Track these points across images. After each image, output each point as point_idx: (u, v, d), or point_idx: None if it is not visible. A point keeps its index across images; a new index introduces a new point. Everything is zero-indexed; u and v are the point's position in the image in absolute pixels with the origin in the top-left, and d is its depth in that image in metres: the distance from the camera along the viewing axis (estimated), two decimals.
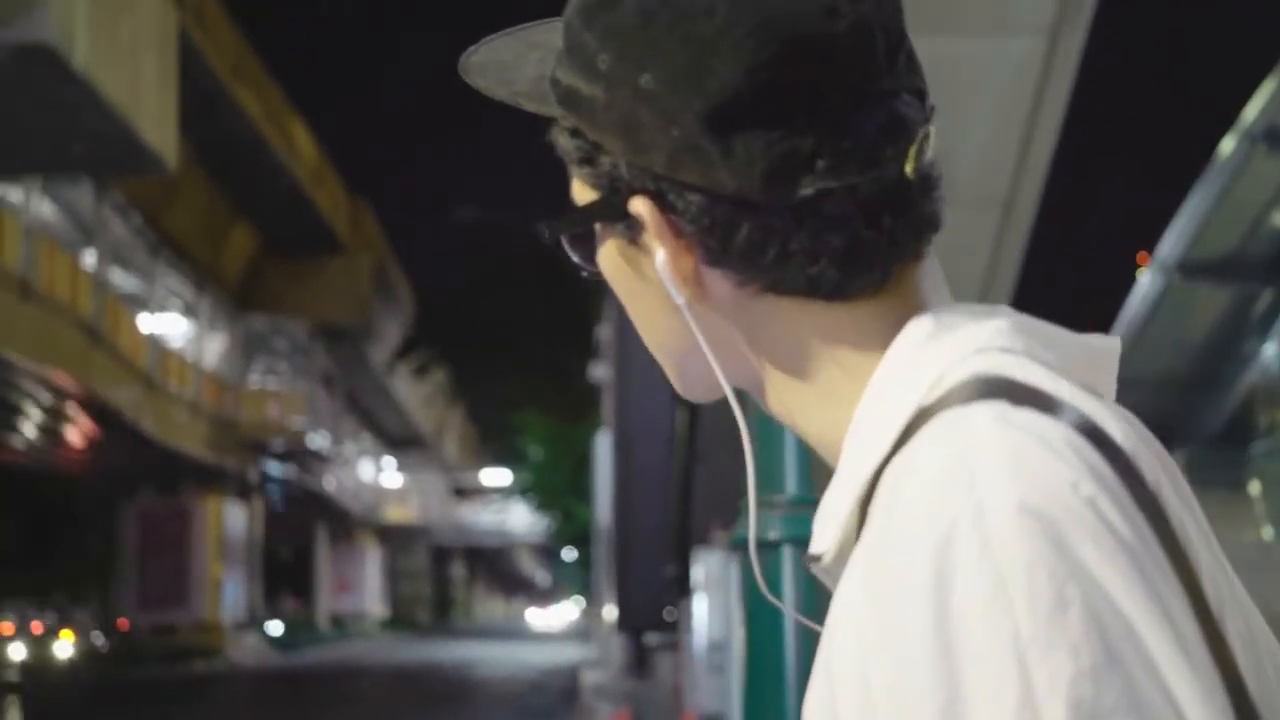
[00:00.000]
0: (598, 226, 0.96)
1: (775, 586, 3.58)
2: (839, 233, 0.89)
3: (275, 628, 46.17)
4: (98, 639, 35.05)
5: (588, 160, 0.93)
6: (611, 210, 0.93)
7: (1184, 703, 0.74)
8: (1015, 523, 0.75)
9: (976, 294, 9.03)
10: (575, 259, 0.99)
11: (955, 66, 7.14)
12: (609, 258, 0.96)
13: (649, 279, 0.94)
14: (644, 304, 0.96)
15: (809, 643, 3.57)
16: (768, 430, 3.82)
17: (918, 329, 0.89)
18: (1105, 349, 0.94)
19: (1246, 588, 0.87)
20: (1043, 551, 0.75)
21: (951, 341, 0.88)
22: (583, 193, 0.95)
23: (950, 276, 0.98)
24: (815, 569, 0.91)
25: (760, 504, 3.76)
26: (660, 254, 0.91)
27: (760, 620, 3.66)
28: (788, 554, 3.60)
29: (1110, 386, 0.93)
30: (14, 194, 25.83)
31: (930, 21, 6.74)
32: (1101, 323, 14.62)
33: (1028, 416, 0.80)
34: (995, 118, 8.04)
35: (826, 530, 0.89)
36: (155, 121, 19.97)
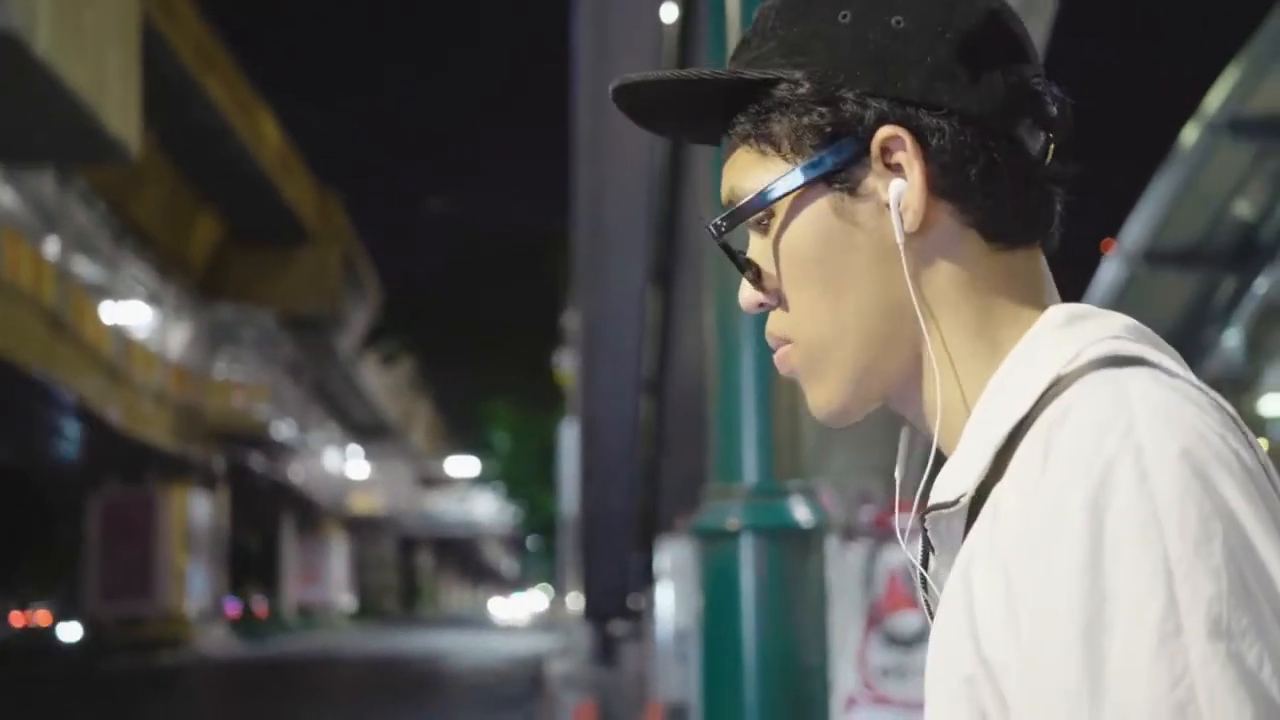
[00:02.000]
0: (791, 198, 1.03)
1: (734, 574, 3.58)
2: (1026, 184, 1.02)
3: (234, 608, 46.00)
4: (63, 630, 34.91)
5: (830, 101, 1.01)
6: (853, 143, 1.01)
7: None
8: (1173, 463, 0.86)
9: None
10: (747, 230, 1.06)
11: None
12: (816, 218, 1.03)
13: (863, 227, 1.02)
14: (852, 261, 1.02)
15: (766, 631, 3.56)
16: (729, 419, 3.82)
17: (1057, 313, 1.01)
18: None
19: None
20: (1194, 489, 0.85)
21: (1088, 327, 0.98)
22: (759, 175, 1.04)
23: None
24: (934, 518, 1.00)
25: (719, 493, 3.76)
26: (896, 185, 1.00)
27: (718, 609, 3.65)
28: (747, 542, 3.60)
29: None
30: None
31: None
32: None
33: (1174, 379, 0.93)
34: None
35: (962, 479, 0.97)
36: (118, 110, 19.83)
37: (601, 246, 12.31)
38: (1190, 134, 12.70)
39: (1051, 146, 1.03)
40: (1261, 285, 14.28)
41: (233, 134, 34.50)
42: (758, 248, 1.06)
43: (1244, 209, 13.57)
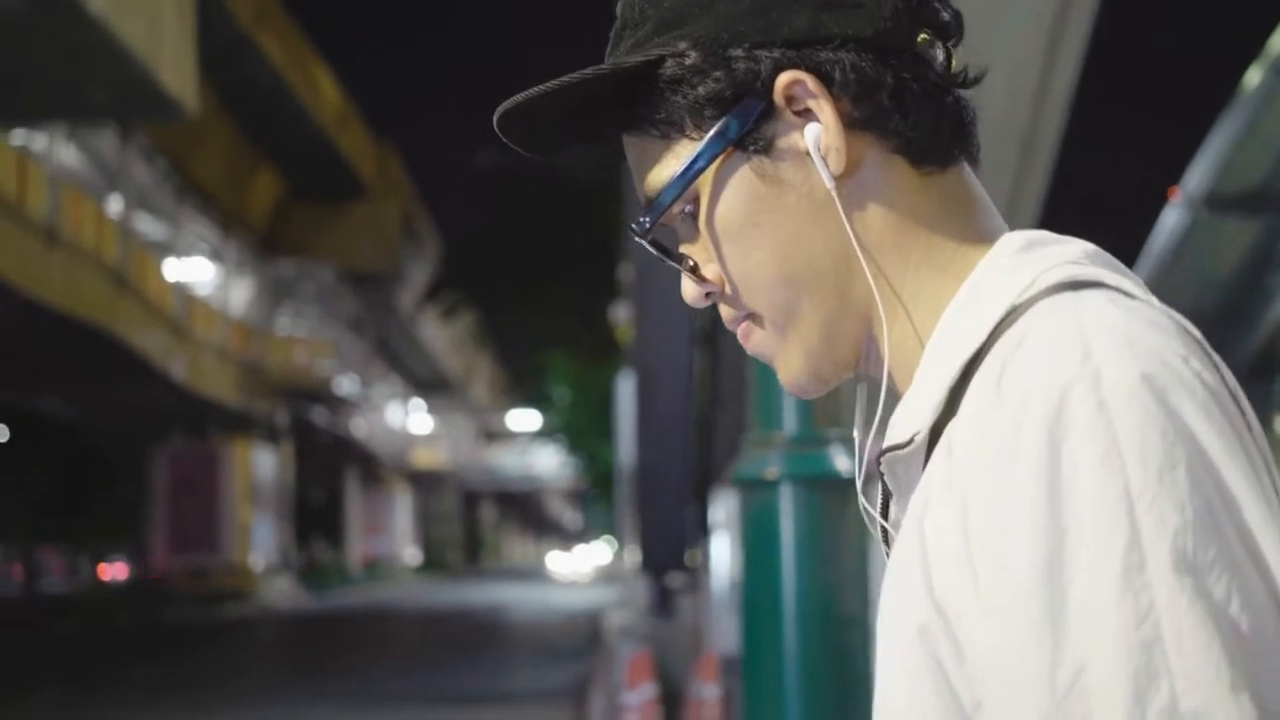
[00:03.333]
0: (711, 175, 0.98)
1: (773, 523, 3.55)
2: (938, 96, 0.98)
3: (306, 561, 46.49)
4: (130, 582, 35.45)
5: (721, 64, 0.97)
6: (753, 103, 0.96)
7: (1274, 568, 0.81)
8: (1133, 388, 0.82)
9: None
10: (667, 231, 1.03)
11: None
12: (741, 187, 0.99)
13: (789, 184, 0.97)
14: (786, 220, 0.98)
15: (805, 580, 3.53)
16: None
17: (1015, 239, 0.97)
18: None
19: None
20: (1156, 415, 0.81)
21: (1045, 253, 0.94)
22: (670, 163, 0.99)
23: None
24: (889, 460, 0.96)
25: (759, 442, 3.72)
26: (812, 129, 0.96)
27: (757, 558, 3.62)
28: (786, 491, 3.57)
29: None
30: (38, 140, 25.85)
31: None
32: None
33: (1133, 301, 0.88)
34: (1014, 51, 7.90)
35: (916, 417, 0.93)
36: (174, 67, 19.92)
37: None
38: (1254, 76, 12.47)
39: (952, 55, 1.00)
40: None
41: (290, 90, 34.65)
42: (690, 241, 1.03)
43: None
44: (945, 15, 1.00)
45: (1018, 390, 0.84)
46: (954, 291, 0.96)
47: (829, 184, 0.96)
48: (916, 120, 0.97)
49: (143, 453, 37.23)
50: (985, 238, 0.99)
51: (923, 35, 0.98)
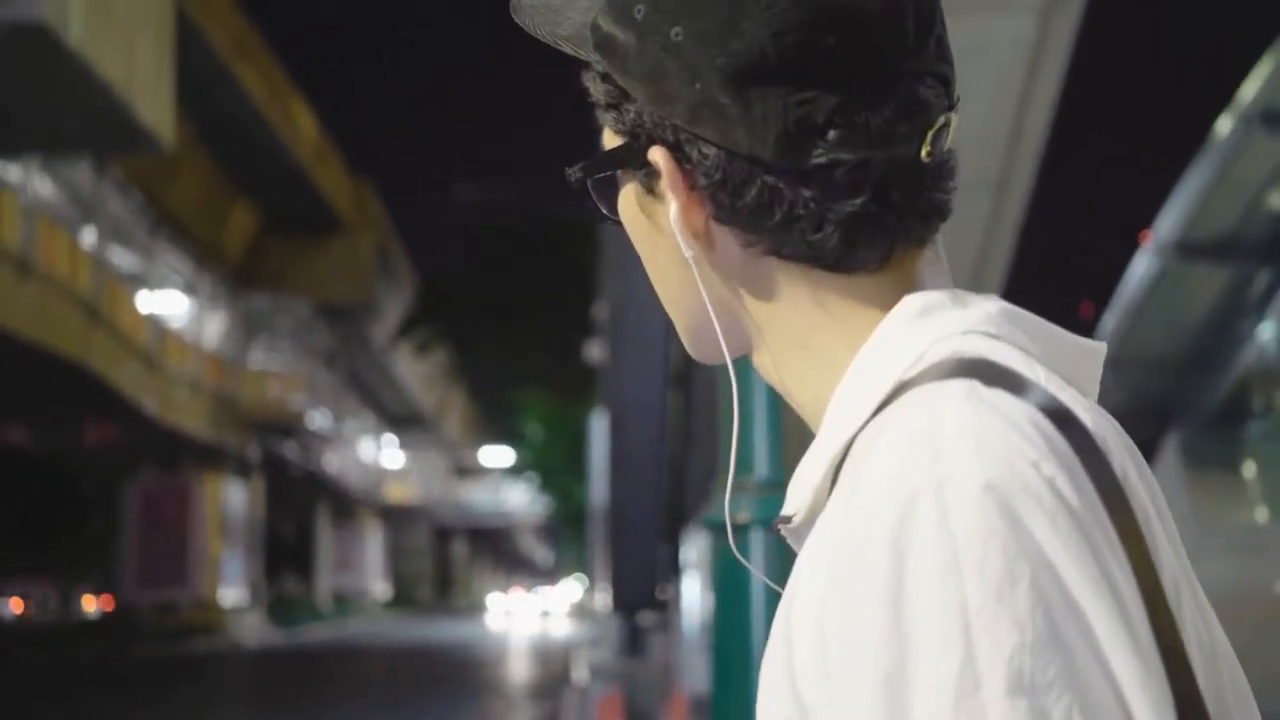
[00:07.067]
0: (619, 173, 0.98)
1: (744, 567, 3.56)
2: (845, 203, 0.90)
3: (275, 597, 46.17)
4: (98, 614, 35.15)
5: (614, 106, 0.96)
6: (631, 157, 0.96)
7: (1124, 682, 0.76)
8: (976, 499, 0.77)
9: (969, 276, 8.97)
10: (598, 205, 1.02)
11: None
12: (627, 205, 0.99)
13: (663, 230, 0.96)
14: (658, 255, 0.99)
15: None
16: (744, 411, 3.80)
17: (908, 307, 0.91)
18: (1092, 350, 0.95)
19: (1242, 571, 0.87)
20: (998, 528, 0.77)
21: (938, 321, 0.89)
22: (610, 139, 0.98)
23: None
24: (784, 530, 0.93)
25: (732, 486, 3.74)
26: (673, 205, 0.94)
27: (729, 599, 3.64)
28: (758, 536, 3.58)
29: (1093, 388, 0.95)
30: (13, 172, 25.79)
31: None
32: (1098, 304, 14.55)
33: (997, 395, 0.82)
34: (987, 98, 7.97)
35: (798, 494, 0.91)
36: (151, 100, 19.93)
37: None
38: (1224, 125, 12.59)
39: (945, 132, 0.93)
40: None
41: (268, 124, 34.64)
42: None
43: (1278, 201, 13.45)
44: (875, 135, 0.90)
45: (870, 492, 0.81)
46: (845, 357, 0.92)
47: (687, 255, 0.94)
48: (785, 237, 0.91)
49: (114, 485, 37.01)
50: (890, 308, 0.93)
51: (818, 150, 0.89)
